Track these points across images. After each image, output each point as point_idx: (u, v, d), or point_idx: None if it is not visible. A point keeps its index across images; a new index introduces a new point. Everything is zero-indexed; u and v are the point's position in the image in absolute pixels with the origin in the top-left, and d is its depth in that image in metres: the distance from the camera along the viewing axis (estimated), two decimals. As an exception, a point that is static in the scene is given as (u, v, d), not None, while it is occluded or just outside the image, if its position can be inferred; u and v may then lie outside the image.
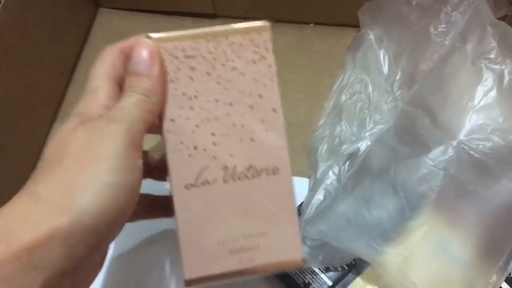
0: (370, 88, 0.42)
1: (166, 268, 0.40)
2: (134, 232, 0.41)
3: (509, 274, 0.36)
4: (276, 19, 0.53)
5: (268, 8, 0.52)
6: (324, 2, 0.50)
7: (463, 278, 0.35)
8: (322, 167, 0.40)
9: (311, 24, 0.54)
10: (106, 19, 0.54)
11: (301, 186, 0.43)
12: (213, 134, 0.31)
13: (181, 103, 0.31)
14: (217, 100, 0.31)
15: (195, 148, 0.31)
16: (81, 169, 0.25)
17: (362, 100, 0.41)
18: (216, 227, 0.31)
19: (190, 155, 0.31)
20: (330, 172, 0.39)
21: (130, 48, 0.31)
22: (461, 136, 0.33)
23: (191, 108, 0.31)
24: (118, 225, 0.26)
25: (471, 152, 0.33)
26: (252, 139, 0.31)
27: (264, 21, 0.31)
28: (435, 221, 0.34)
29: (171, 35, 0.31)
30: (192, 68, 0.31)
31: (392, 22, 0.43)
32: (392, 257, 0.34)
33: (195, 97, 0.31)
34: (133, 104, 0.28)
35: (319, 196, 0.39)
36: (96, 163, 0.25)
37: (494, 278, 0.35)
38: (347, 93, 0.42)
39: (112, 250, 0.41)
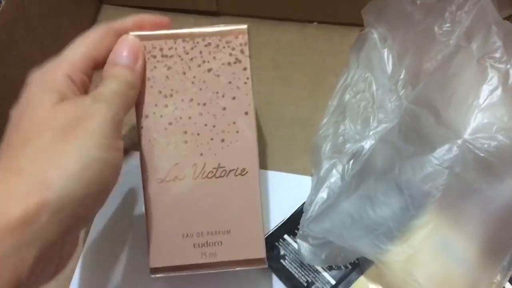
0: (374, 87, 0.41)
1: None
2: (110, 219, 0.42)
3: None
4: (280, 17, 0.54)
5: (271, 6, 0.52)
6: (328, 1, 0.50)
7: (467, 277, 0.34)
8: (325, 165, 0.40)
9: (314, 23, 0.54)
10: (110, 15, 0.54)
11: (303, 184, 0.43)
12: (185, 133, 0.32)
13: (156, 100, 0.32)
14: (191, 100, 0.32)
15: (167, 144, 0.32)
16: (68, 143, 0.25)
17: (366, 99, 0.41)
18: (182, 221, 0.33)
19: (162, 151, 0.32)
20: (334, 171, 0.39)
21: (124, 28, 0.31)
22: (466, 135, 0.33)
23: (166, 106, 0.32)
24: (102, 198, 0.27)
25: (476, 151, 0.33)
26: (222, 140, 0.33)
27: (242, 24, 0.32)
28: (439, 220, 0.34)
29: (149, 34, 0.32)
30: (169, 67, 0.32)
31: (396, 21, 0.42)
32: (396, 256, 0.34)
33: (170, 95, 0.32)
34: (115, 91, 0.29)
35: (323, 194, 0.39)
36: (85, 137, 0.26)
37: (498, 277, 0.35)
38: (351, 92, 0.42)
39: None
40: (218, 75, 0.32)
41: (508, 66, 0.34)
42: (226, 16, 0.54)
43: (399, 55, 0.41)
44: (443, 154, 0.34)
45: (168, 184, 0.32)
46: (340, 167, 0.39)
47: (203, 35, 0.32)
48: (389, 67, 0.42)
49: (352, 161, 0.39)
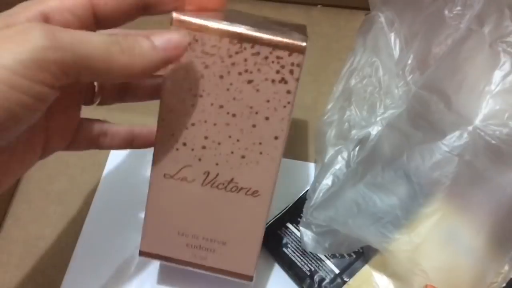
0: (381, 72, 0.40)
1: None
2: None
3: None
4: (283, 0, 0.52)
5: (275, -11, 0.51)
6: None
7: (474, 267, 0.34)
8: (330, 152, 0.39)
9: (319, 6, 0.52)
10: None
11: (306, 171, 0.42)
12: (206, 138, 0.30)
13: (185, 97, 0.29)
14: (221, 107, 0.29)
15: (184, 144, 0.30)
16: None
17: (372, 84, 0.40)
18: (181, 220, 0.32)
19: (177, 149, 0.31)
20: (339, 157, 0.38)
21: None
22: (477, 122, 0.32)
23: (193, 106, 0.29)
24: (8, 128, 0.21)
25: (487, 138, 0.32)
26: (243, 157, 0.30)
27: (301, 40, 0.28)
28: (448, 209, 0.33)
29: (194, 22, 0.27)
30: (206, 66, 0.28)
31: (404, 4, 0.41)
32: (403, 245, 0.33)
33: (201, 96, 0.29)
34: (97, 38, 0.23)
35: (327, 181, 0.38)
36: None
37: (506, 268, 0.34)
38: (357, 76, 0.41)
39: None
40: (258, 90, 0.29)
41: (522, 51, 0.33)
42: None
43: (406, 39, 0.40)
44: (453, 141, 0.33)
45: (175, 182, 0.31)
46: (345, 154, 0.38)
47: (254, 41, 0.27)
48: (396, 52, 0.41)
49: (358, 147, 0.38)
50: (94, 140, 0.32)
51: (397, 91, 0.39)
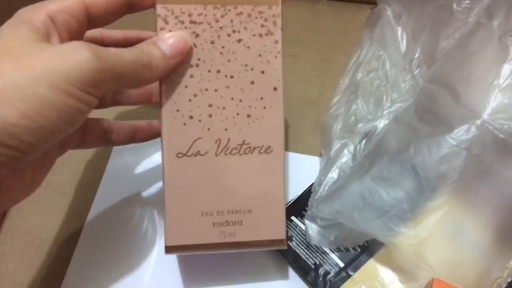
0: (388, 66, 0.40)
1: (148, 232, 0.40)
2: (115, 193, 0.41)
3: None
4: (288, -6, 0.52)
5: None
6: (339, -23, 0.49)
7: (480, 262, 0.34)
8: (336, 145, 0.39)
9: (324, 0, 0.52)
10: None
11: (312, 164, 0.42)
12: (210, 106, 0.31)
13: (182, 69, 0.30)
14: (218, 71, 0.30)
15: (191, 117, 0.31)
16: (19, 67, 0.23)
17: (379, 78, 0.40)
18: (202, 198, 0.31)
19: (185, 124, 0.31)
20: (345, 151, 0.38)
21: None
22: (485, 115, 0.32)
23: (191, 76, 0.30)
24: (39, 137, 0.24)
25: (496, 132, 0.32)
26: (248, 115, 0.31)
27: None
28: (454, 203, 0.33)
29: None
30: (197, 35, 0.30)
31: (411, -3, 0.41)
32: (409, 239, 0.33)
33: (197, 65, 0.30)
34: (125, 57, 0.26)
35: (333, 174, 0.37)
36: (43, 71, 0.23)
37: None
38: (363, 70, 0.41)
39: (91, 211, 0.41)
40: (248, 47, 0.30)
41: (531, 44, 0.33)
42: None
43: (414, 33, 0.40)
44: (461, 134, 0.33)
45: (189, 159, 0.31)
46: (351, 147, 0.38)
47: (235, 2, 0.30)
48: (403, 45, 0.40)
49: (364, 141, 0.38)
50: (101, 137, 0.34)
51: (404, 85, 0.39)
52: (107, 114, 0.38)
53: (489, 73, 0.33)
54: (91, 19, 0.29)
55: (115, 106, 0.37)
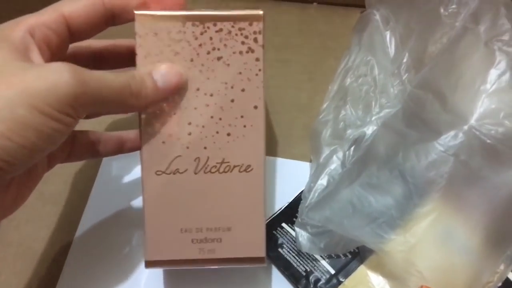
0: (376, 71, 0.40)
1: (139, 241, 0.40)
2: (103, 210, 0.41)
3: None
4: (278, -2, 0.52)
5: (270, -13, 0.50)
6: (328, -19, 0.49)
7: (470, 267, 0.34)
8: (325, 151, 0.38)
9: (314, 3, 0.52)
10: None
11: (302, 170, 0.42)
12: (189, 124, 0.30)
13: None
14: (197, 89, 0.30)
15: (170, 135, 0.31)
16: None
17: (367, 83, 0.40)
18: (182, 215, 0.31)
19: (163, 142, 0.31)
20: (334, 157, 0.38)
21: (123, 5, 0.29)
22: (473, 121, 0.32)
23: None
24: (21, 158, 0.24)
25: (483, 137, 0.32)
26: (228, 134, 0.31)
27: (257, 10, 0.30)
28: (443, 209, 0.33)
29: (157, 14, 0.29)
30: (176, 53, 0.30)
31: (399, 2, 0.41)
32: (399, 245, 0.33)
33: None
34: (110, 81, 0.26)
35: (323, 181, 0.37)
36: (21, 92, 0.23)
37: (502, 267, 0.34)
38: (352, 75, 0.41)
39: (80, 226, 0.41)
40: (228, 65, 0.30)
41: (517, 49, 0.33)
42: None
43: (402, 37, 0.40)
44: (448, 140, 0.33)
45: (168, 177, 0.31)
46: (340, 154, 0.38)
47: (215, 19, 0.30)
48: (392, 50, 0.40)
49: (353, 147, 0.38)
50: (89, 149, 0.34)
51: (393, 90, 0.38)
52: (100, 122, 0.38)
53: (476, 78, 0.33)
54: (72, 32, 0.28)
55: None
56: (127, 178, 0.42)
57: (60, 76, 0.24)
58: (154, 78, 0.28)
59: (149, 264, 0.32)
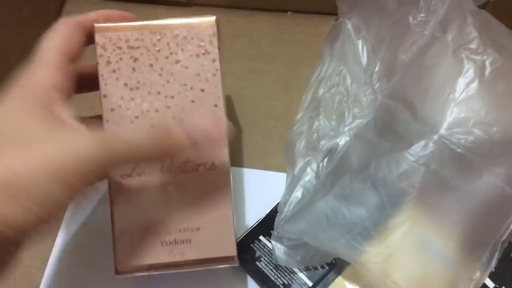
0: (349, 81, 0.40)
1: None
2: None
3: (493, 270, 0.35)
4: (252, 7, 0.52)
5: (243, -4, 0.50)
6: (301, -11, 0.49)
7: (446, 275, 0.34)
8: (300, 163, 0.38)
9: (289, 12, 0.52)
10: (75, 8, 0.52)
11: (279, 181, 0.42)
12: (152, 126, 0.31)
13: (122, 93, 0.31)
14: (158, 92, 0.31)
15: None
16: (22, 156, 0.23)
17: (340, 93, 0.40)
18: (149, 218, 0.31)
19: None
20: (308, 169, 0.38)
21: (89, 22, 0.30)
22: (442, 130, 0.32)
23: (132, 99, 0.31)
24: (31, 221, 0.24)
25: (453, 146, 0.32)
26: None
27: (210, 16, 0.32)
28: (416, 218, 0.33)
29: (115, 25, 0.31)
30: (135, 59, 0.31)
31: (370, 10, 0.41)
32: (374, 256, 0.33)
33: (137, 88, 0.31)
34: (136, 145, 0.27)
35: (297, 194, 0.37)
36: (40, 163, 0.23)
37: (478, 274, 0.34)
38: (324, 86, 0.41)
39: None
40: (186, 67, 0.31)
41: (485, 57, 0.33)
42: (197, 7, 0.52)
43: (374, 46, 0.40)
44: (419, 150, 0.33)
45: (134, 180, 0.31)
46: (314, 165, 0.38)
47: (171, 28, 0.31)
48: (364, 59, 0.40)
49: (326, 158, 0.38)
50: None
51: (365, 100, 0.38)
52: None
53: (445, 87, 0.33)
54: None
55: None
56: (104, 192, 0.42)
57: (85, 146, 0.24)
58: (192, 132, 0.28)
59: (120, 271, 0.31)
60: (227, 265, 0.32)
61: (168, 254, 0.31)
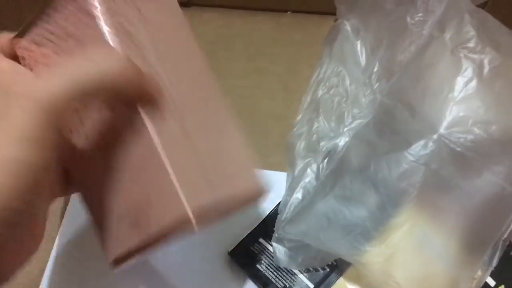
0: (348, 81, 0.40)
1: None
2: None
3: (494, 268, 0.35)
4: (252, 8, 0.52)
5: (243, -3, 0.50)
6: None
7: (448, 275, 0.34)
8: (300, 164, 0.38)
9: (288, 12, 0.52)
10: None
11: (280, 181, 0.42)
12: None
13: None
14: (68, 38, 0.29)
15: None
16: None
17: (339, 94, 0.40)
18: (112, 202, 0.30)
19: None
20: (309, 170, 0.38)
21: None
22: (442, 130, 0.32)
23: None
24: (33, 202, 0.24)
25: (452, 145, 0.32)
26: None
27: None
28: (417, 218, 0.33)
29: (19, 30, 0.30)
30: (44, 55, 0.30)
31: (368, 11, 0.41)
32: (375, 257, 0.33)
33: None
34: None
35: (298, 195, 0.37)
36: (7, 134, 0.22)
37: (479, 273, 0.34)
38: (324, 87, 0.41)
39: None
40: (80, 40, 0.29)
41: (483, 56, 0.33)
42: (197, 7, 0.52)
43: (372, 47, 0.40)
44: (418, 150, 0.32)
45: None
46: (314, 167, 0.38)
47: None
48: (363, 60, 0.40)
49: (326, 159, 0.38)
50: None
51: (364, 100, 0.38)
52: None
53: (443, 86, 0.33)
54: None
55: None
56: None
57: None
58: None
59: (113, 263, 0.30)
60: (188, 230, 0.28)
61: (137, 234, 0.29)
